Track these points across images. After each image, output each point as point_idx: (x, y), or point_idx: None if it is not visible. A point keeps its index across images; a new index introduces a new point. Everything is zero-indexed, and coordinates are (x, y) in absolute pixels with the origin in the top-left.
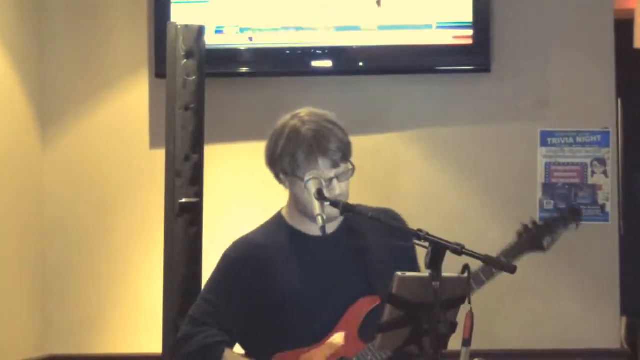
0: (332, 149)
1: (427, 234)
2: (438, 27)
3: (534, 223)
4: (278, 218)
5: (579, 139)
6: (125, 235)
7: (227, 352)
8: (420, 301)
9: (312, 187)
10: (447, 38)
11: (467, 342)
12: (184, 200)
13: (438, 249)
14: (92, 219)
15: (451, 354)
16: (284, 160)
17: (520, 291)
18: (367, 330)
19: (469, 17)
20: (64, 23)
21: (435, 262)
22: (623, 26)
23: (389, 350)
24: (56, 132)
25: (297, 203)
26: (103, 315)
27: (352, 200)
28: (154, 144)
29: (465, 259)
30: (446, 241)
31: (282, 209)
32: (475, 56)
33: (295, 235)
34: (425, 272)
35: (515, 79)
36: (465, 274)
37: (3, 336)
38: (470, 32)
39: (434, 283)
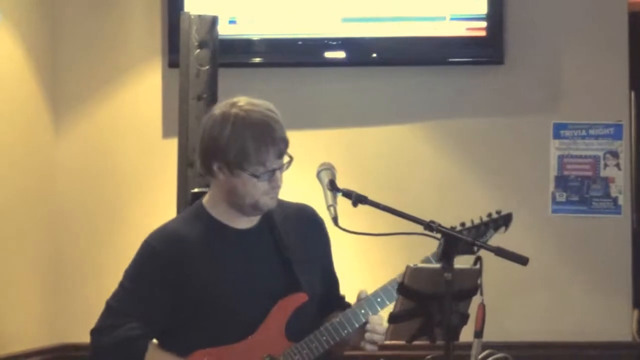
0: (279, 138)
1: (439, 225)
2: (452, 19)
3: (463, 225)
4: (199, 209)
5: (591, 132)
6: (137, 225)
7: (150, 346)
8: (432, 292)
9: (325, 177)
10: (460, 30)
11: (478, 333)
12: (196, 190)
13: (450, 240)
14: (104, 209)
15: (463, 346)
16: (230, 151)
17: (532, 283)
18: (294, 328)
19: (482, 9)
20: (77, 13)
21: (447, 253)
22: (637, 18)
23: (339, 348)
24: (68, 121)
25: (231, 195)
26: None
27: (368, 192)
28: (166, 134)
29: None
30: (458, 233)
31: (202, 199)
32: (488, 48)
33: (219, 228)
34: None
35: (528, 71)
36: (477, 266)
37: (16, 325)
38: (484, 24)
39: (445, 274)
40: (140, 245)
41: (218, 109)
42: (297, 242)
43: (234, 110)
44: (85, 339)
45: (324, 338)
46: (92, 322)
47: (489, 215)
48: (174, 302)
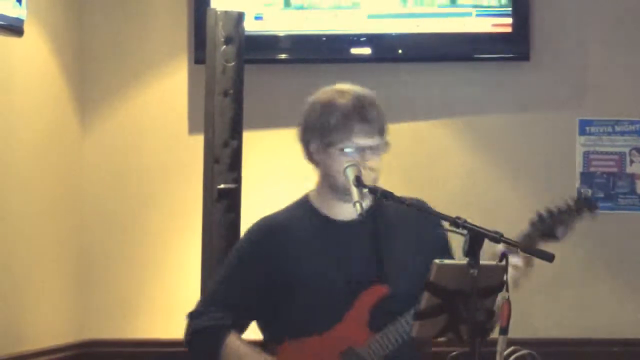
0: (371, 116)
1: (465, 221)
2: (477, 15)
3: (549, 212)
4: (304, 199)
5: (617, 128)
6: (163, 221)
7: (230, 338)
8: (458, 289)
9: (351, 174)
10: (486, 26)
11: (504, 330)
12: (222, 186)
13: (476, 236)
14: (131, 205)
15: (488, 342)
16: (317, 125)
17: (556, 280)
18: (377, 320)
19: (508, 5)
20: (103, 11)
21: (473, 249)
22: None
23: (424, 337)
24: (95, 118)
25: (327, 178)
26: (139, 300)
27: (393, 188)
28: (192, 130)
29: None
30: (484, 229)
31: (310, 190)
32: (514, 44)
33: (318, 218)
34: (463, 260)
35: (555, 67)
36: (503, 262)
37: (41, 321)
38: (510, 20)
39: (471, 271)
40: (243, 233)
41: (320, 90)
42: (401, 237)
43: (331, 91)
44: (110, 335)
45: (403, 329)
46: (117, 318)
47: (572, 198)
48: (265, 291)
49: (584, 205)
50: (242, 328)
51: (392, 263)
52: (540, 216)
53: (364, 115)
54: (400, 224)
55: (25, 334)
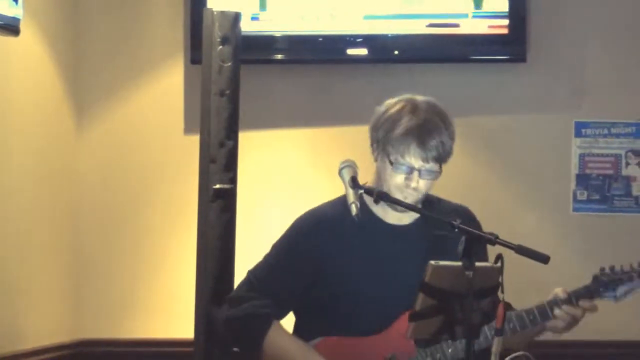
0: (430, 144)
1: (461, 223)
2: (474, 17)
3: (612, 269)
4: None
5: (613, 130)
6: (159, 221)
7: (273, 327)
8: (453, 290)
9: (346, 175)
10: (482, 27)
11: (499, 331)
12: (218, 186)
13: (472, 238)
14: (126, 204)
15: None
16: (382, 128)
17: (553, 282)
18: None
19: (504, 6)
20: (99, 9)
21: (469, 251)
22: None
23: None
24: (91, 116)
25: (377, 179)
26: (135, 300)
27: None
28: (188, 130)
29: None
30: (480, 230)
31: (365, 183)
32: (510, 46)
33: (369, 218)
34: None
35: (551, 69)
36: (499, 264)
37: (36, 321)
38: (506, 21)
39: (467, 272)
40: (291, 224)
41: (404, 95)
42: (450, 248)
43: (411, 101)
44: (105, 334)
45: (450, 350)
46: (113, 317)
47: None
48: (309, 284)
49: None
50: (280, 317)
51: None
52: (602, 271)
53: (423, 140)
54: (451, 233)
55: (20, 333)
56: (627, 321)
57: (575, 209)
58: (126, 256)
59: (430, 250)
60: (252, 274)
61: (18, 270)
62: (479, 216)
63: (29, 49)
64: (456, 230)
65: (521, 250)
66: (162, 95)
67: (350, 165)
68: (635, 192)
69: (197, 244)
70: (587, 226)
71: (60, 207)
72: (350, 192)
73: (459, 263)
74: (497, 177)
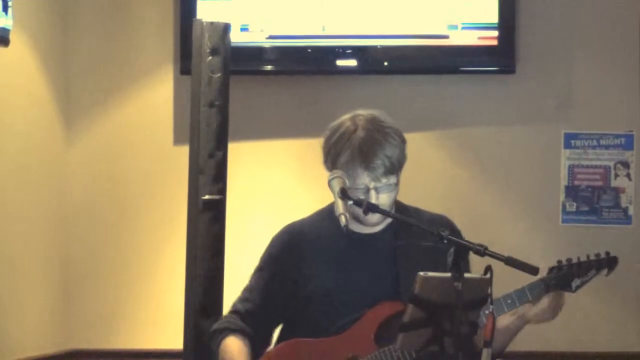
0: (375, 163)
1: (449, 234)
2: (463, 28)
3: (568, 261)
4: (330, 207)
5: (602, 142)
6: (148, 231)
7: (227, 340)
8: (442, 301)
9: (336, 185)
10: (472, 39)
11: (488, 343)
12: (207, 197)
13: (460, 249)
14: (115, 215)
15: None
16: (330, 156)
17: None
18: (386, 335)
19: (494, 18)
20: (89, 20)
21: (457, 263)
22: None
23: (413, 351)
24: (80, 127)
25: None
26: (124, 310)
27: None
28: (177, 141)
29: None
30: (469, 242)
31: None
32: (500, 57)
33: (340, 229)
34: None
35: (540, 80)
36: (488, 275)
37: (26, 331)
38: (496, 33)
39: (456, 284)
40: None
41: (344, 116)
42: (420, 254)
43: (349, 122)
44: (95, 345)
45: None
46: (102, 328)
47: (596, 255)
48: (285, 295)
49: (605, 263)
50: (264, 336)
51: (409, 281)
52: (559, 264)
53: (366, 161)
54: (421, 240)
55: (9, 344)
56: (616, 331)
57: (564, 220)
58: (115, 267)
59: (397, 258)
60: (244, 288)
61: (7, 282)
62: (468, 227)
63: (19, 59)
64: (445, 241)
65: (511, 262)
66: (151, 106)
67: (340, 176)
68: (624, 204)
69: (186, 254)
70: (576, 237)
71: (50, 217)
72: (340, 203)
73: (448, 274)
74: (486, 188)
